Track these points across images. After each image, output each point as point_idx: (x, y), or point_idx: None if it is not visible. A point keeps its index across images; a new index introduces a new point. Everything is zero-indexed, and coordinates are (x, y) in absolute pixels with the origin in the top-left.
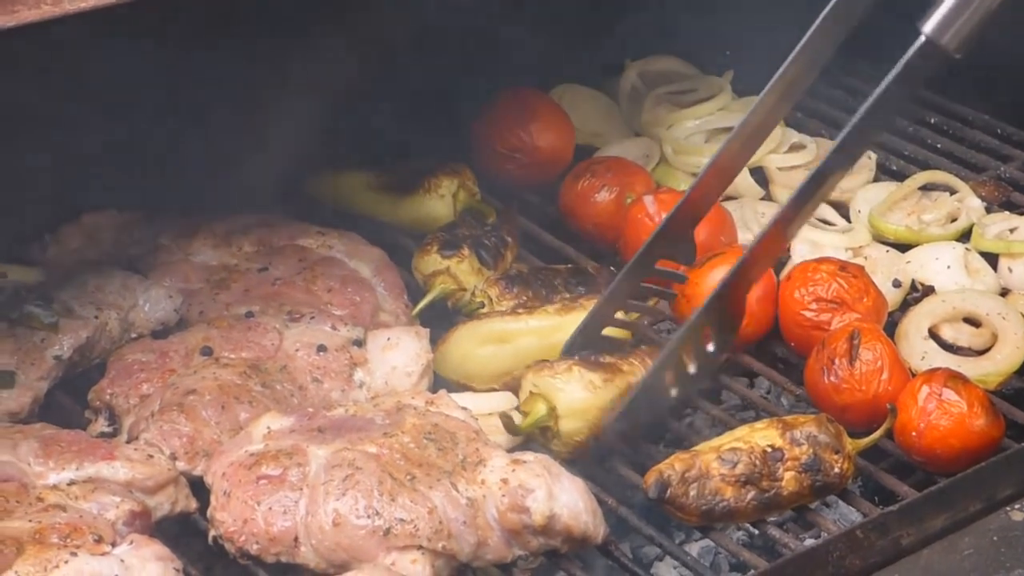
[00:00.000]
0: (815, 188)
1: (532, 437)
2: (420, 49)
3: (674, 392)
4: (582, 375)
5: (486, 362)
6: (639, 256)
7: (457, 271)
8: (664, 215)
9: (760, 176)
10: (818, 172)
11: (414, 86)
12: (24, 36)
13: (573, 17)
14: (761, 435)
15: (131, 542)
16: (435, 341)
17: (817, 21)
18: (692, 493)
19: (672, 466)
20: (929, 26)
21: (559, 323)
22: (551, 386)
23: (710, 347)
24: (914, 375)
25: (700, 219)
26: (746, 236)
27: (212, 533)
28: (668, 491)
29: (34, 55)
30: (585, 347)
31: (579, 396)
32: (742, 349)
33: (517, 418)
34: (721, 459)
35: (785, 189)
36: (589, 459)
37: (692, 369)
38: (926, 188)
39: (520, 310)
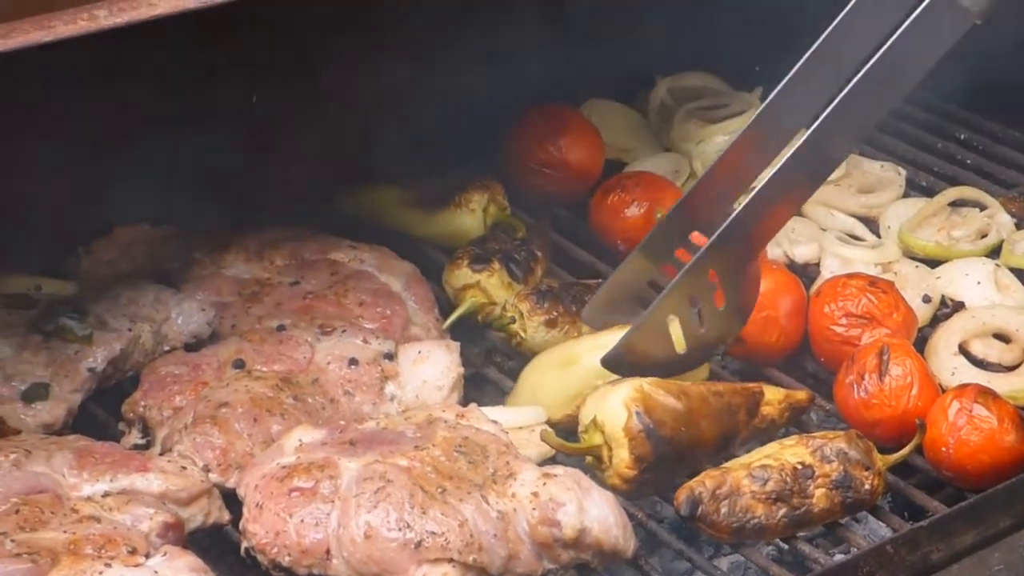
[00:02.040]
0: (837, 126)
1: (590, 466)
2: (451, 64)
3: (680, 348)
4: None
5: (555, 388)
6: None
7: (487, 285)
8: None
9: None
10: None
11: (445, 101)
12: (60, 51)
13: (603, 32)
14: (791, 452)
15: (164, 553)
16: (464, 355)
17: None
18: (723, 510)
19: (703, 483)
20: None
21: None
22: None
23: (721, 307)
24: (944, 391)
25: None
26: (775, 251)
27: (244, 545)
28: (699, 508)
29: (69, 69)
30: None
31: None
32: (771, 363)
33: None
34: (752, 476)
35: (814, 204)
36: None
37: (702, 327)
38: (956, 204)
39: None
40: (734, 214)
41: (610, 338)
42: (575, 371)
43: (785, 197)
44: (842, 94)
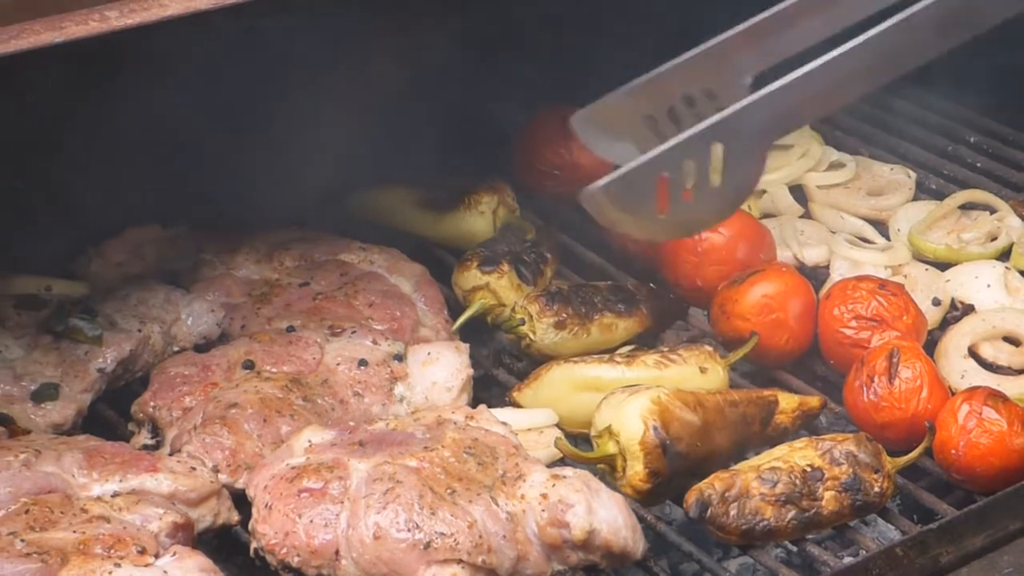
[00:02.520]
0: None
1: (604, 475)
2: (461, 66)
3: (663, 215)
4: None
5: (579, 407)
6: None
7: (497, 287)
8: None
9: (799, 194)
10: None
11: (455, 103)
12: (71, 51)
13: (612, 34)
14: (800, 455)
15: (174, 554)
16: (473, 356)
17: None
18: (732, 512)
19: (712, 485)
20: None
21: (657, 376)
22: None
23: (717, 183)
24: (954, 393)
25: None
26: (785, 254)
27: (254, 545)
28: (709, 510)
29: (79, 70)
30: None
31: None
32: (781, 366)
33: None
34: (761, 479)
35: (824, 207)
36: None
37: (692, 200)
38: (966, 207)
39: (618, 358)
40: (766, 91)
41: (638, 373)
42: (596, 398)
43: (833, 88)
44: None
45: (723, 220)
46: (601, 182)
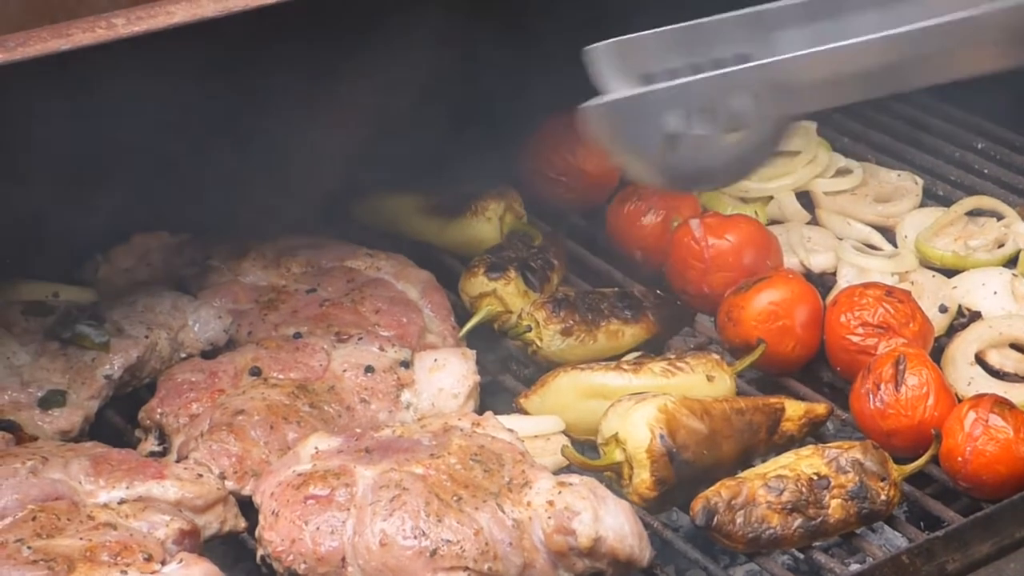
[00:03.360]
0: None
1: (611, 482)
2: (467, 72)
3: (663, 157)
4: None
5: (586, 415)
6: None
7: (503, 293)
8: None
9: (806, 200)
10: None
11: (462, 109)
12: (78, 59)
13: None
14: (807, 462)
15: (180, 561)
16: (480, 363)
17: None
18: (739, 520)
19: (719, 493)
20: None
21: (664, 384)
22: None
23: (733, 138)
24: (960, 401)
25: None
26: (792, 260)
27: (260, 552)
28: (715, 518)
29: (87, 78)
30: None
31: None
32: (787, 373)
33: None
34: (767, 486)
35: (831, 213)
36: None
37: (698, 148)
38: (973, 214)
39: (625, 365)
40: (821, 48)
41: (645, 381)
42: (603, 406)
43: (886, 70)
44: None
45: (726, 185)
46: (605, 97)
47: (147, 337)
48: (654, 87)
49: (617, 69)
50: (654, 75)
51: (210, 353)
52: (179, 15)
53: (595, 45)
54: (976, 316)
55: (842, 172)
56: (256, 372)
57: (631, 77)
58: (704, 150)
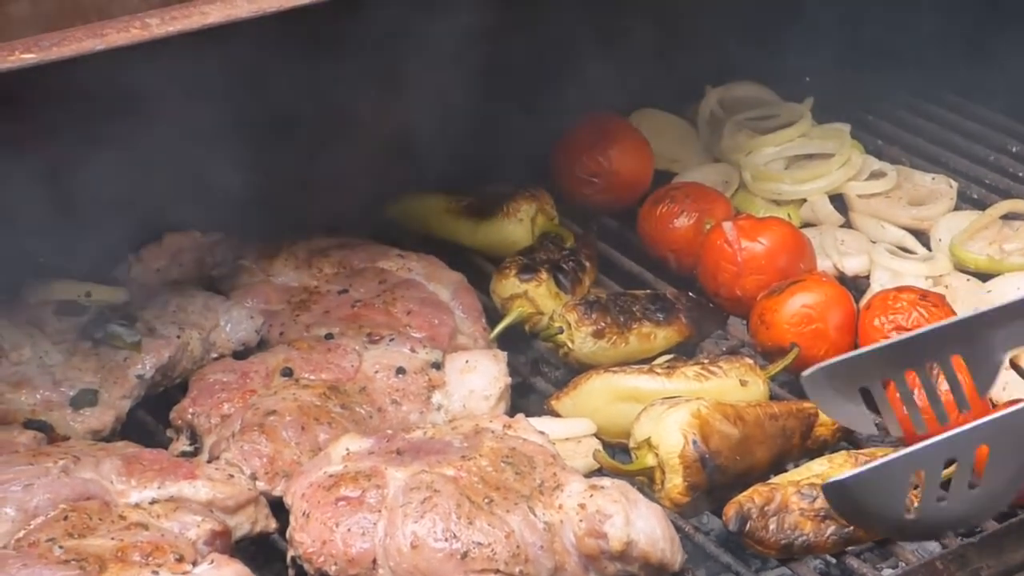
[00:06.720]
0: None
1: (643, 487)
2: (500, 73)
3: (909, 514)
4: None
5: (617, 418)
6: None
7: (535, 295)
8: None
9: (840, 203)
10: None
11: (494, 111)
12: (112, 59)
13: (653, 42)
14: (840, 470)
15: (211, 561)
16: (511, 364)
17: None
18: (772, 527)
19: (752, 499)
20: None
21: (697, 388)
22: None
23: (979, 484)
24: (995, 406)
25: None
26: (825, 263)
27: (291, 553)
28: (748, 524)
29: (121, 77)
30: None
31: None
32: None
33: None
34: (800, 493)
35: (865, 216)
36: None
37: (945, 499)
38: (1008, 217)
39: (658, 369)
40: None
41: (678, 385)
42: (635, 409)
43: None
44: None
45: (974, 525)
46: (847, 473)
47: (179, 337)
48: (902, 453)
49: (833, 394)
50: (868, 396)
51: (242, 353)
52: (213, 15)
53: (805, 377)
54: None
55: (876, 175)
56: (288, 373)
57: (847, 399)
58: (951, 499)
